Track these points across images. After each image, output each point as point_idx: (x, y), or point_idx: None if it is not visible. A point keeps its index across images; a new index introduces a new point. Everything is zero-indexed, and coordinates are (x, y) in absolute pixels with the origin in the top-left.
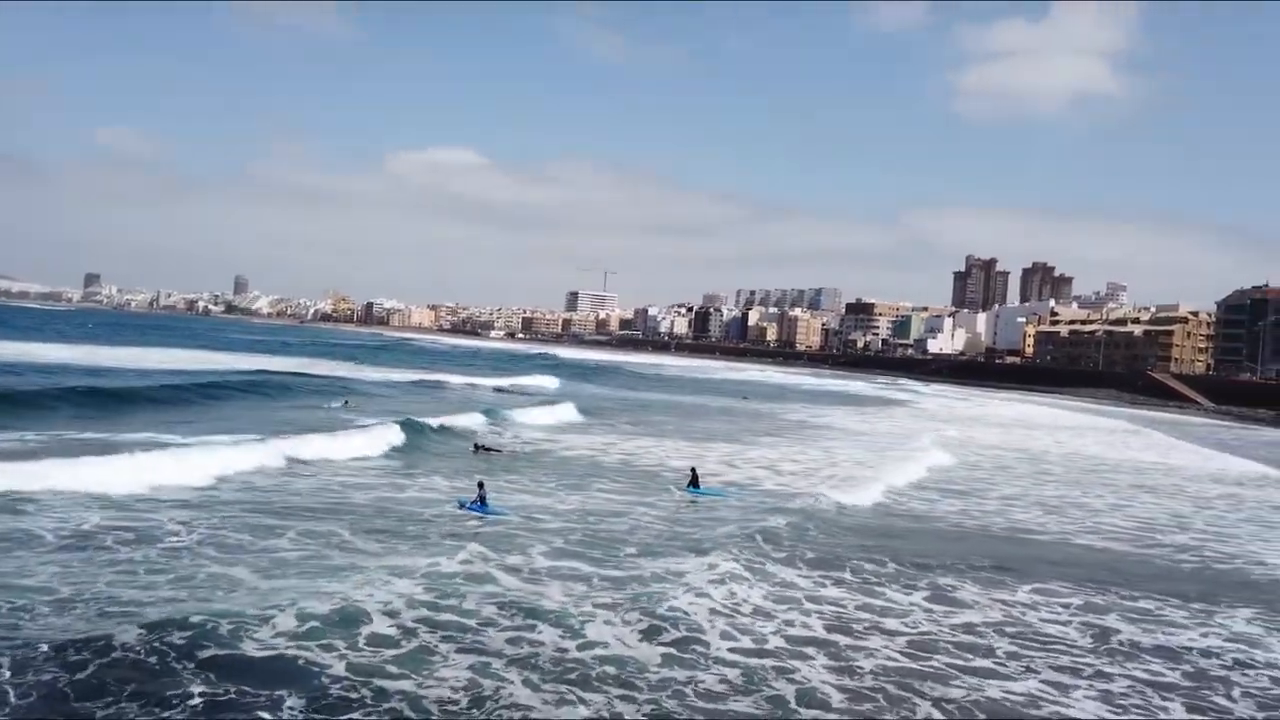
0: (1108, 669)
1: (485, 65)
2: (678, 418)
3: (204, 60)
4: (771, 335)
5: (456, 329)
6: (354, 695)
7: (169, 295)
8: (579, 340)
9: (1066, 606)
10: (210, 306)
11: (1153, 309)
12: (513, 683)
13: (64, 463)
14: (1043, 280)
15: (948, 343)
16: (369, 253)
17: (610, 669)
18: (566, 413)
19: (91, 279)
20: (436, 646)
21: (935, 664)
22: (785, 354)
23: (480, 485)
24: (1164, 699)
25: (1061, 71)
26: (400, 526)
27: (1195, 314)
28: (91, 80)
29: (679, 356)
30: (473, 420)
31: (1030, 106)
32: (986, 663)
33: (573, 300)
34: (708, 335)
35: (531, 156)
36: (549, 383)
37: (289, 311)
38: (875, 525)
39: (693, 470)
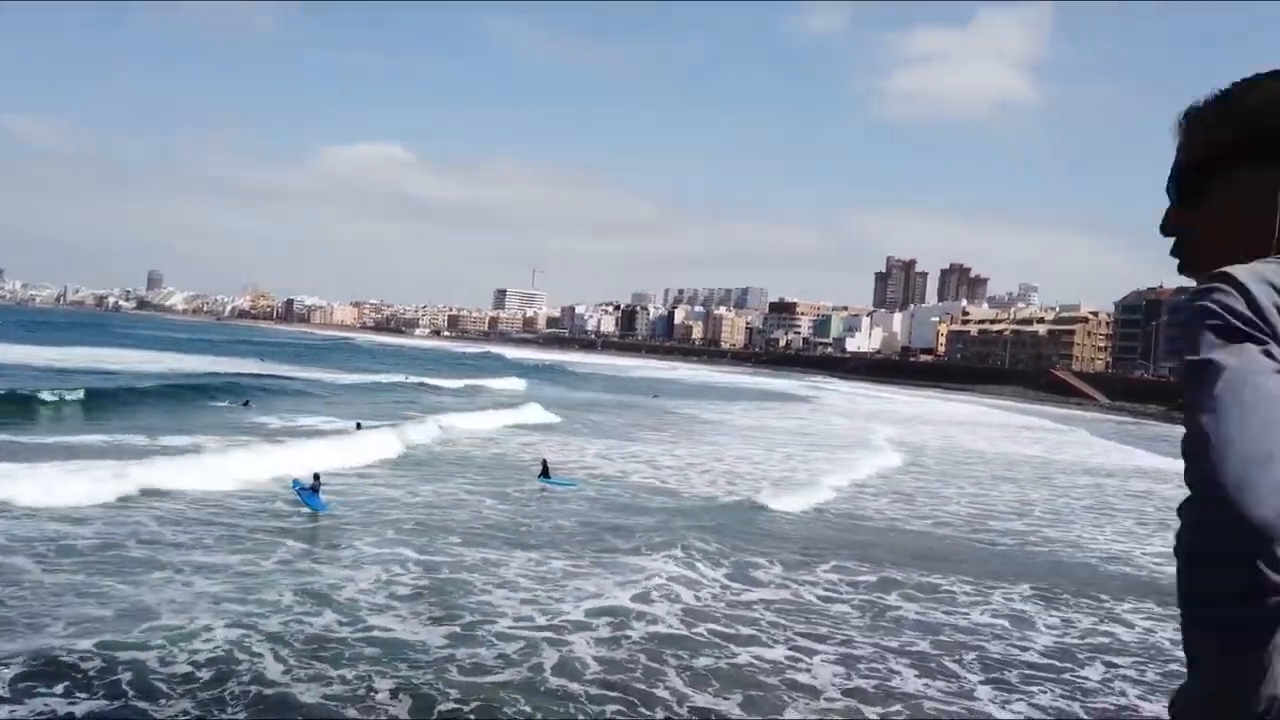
0: (860, 639)
1: (416, 62)
2: (573, 410)
3: (121, 51)
4: (697, 334)
5: (380, 327)
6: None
7: (77, 291)
8: (506, 339)
9: (855, 586)
10: (121, 303)
11: (1057, 309)
12: (263, 657)
13: None
14: (959, 281)
15: (865, 341)
16: (291, 249)
17: (377, 649)
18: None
19: None
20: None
21: (700, 633)
22: (710, 352)
23: (316, 476)
24: (898, 664)
25: (980, 77)
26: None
27: (1095, 314)
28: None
29: (605, 355)
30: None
31: (951, 111)
32: (750, 631)
33: (500, 298)
34: (634, 334)
35: (460, 153)
36: (516, 384)
37: (205, 308)
38: (716, 511)
39: (544, 462)
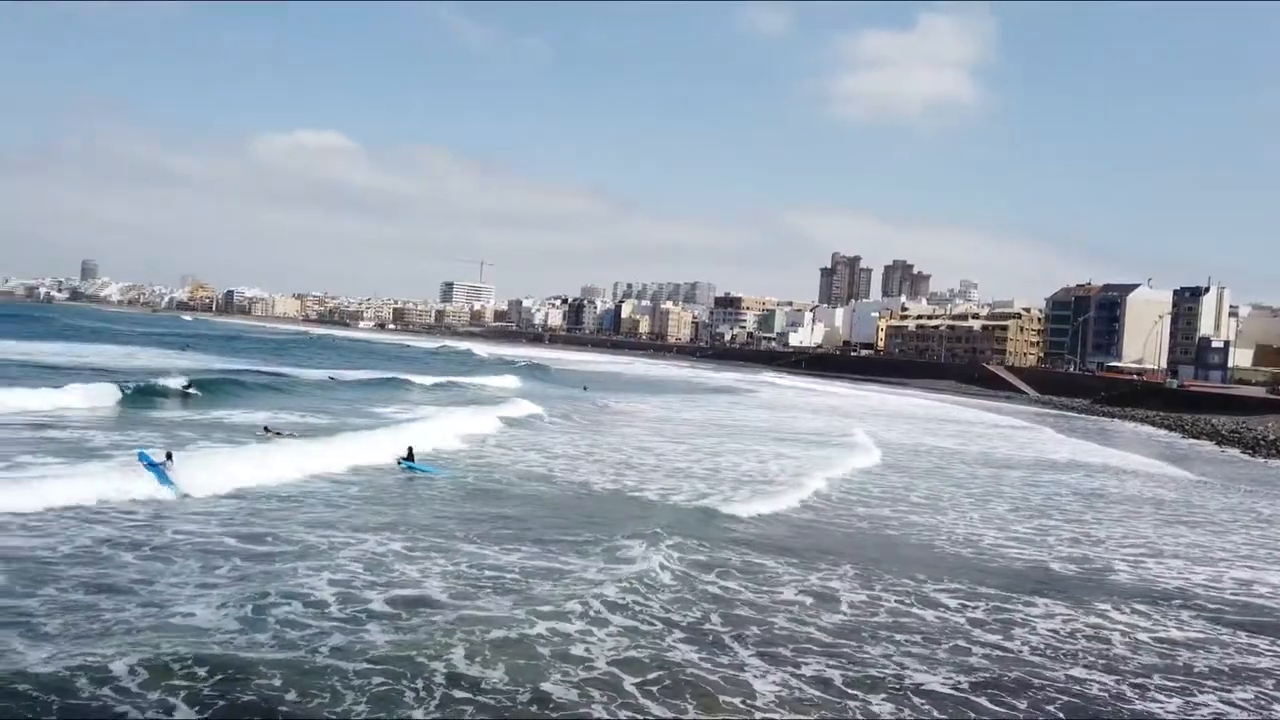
0: (662, 611)
1: (349, 51)
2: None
3: (48, 31)
4: (644, 328)
5: (323, 319)
6: None
7: (7, 280)
8: (452, 332)
9: (681, 560)
10: (54, 294)
11: (992, 305)
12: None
13: None
14: (903, 278)
15: (808, 336)
16: (229, 239)
17: (173, 635)
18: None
19: None
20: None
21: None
22: (657, 346)
23: (169, 455)
24: (680, 633)
25: (924, 81)
26: None
27: (1028, 310)
28: None
29: (552, 349)
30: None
31: (894, 112)
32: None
33: (448, 291)
34: (582, 327)
35: (400, 143)
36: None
37: (142, 299)
38: (580, 496)
39: (409, 448)
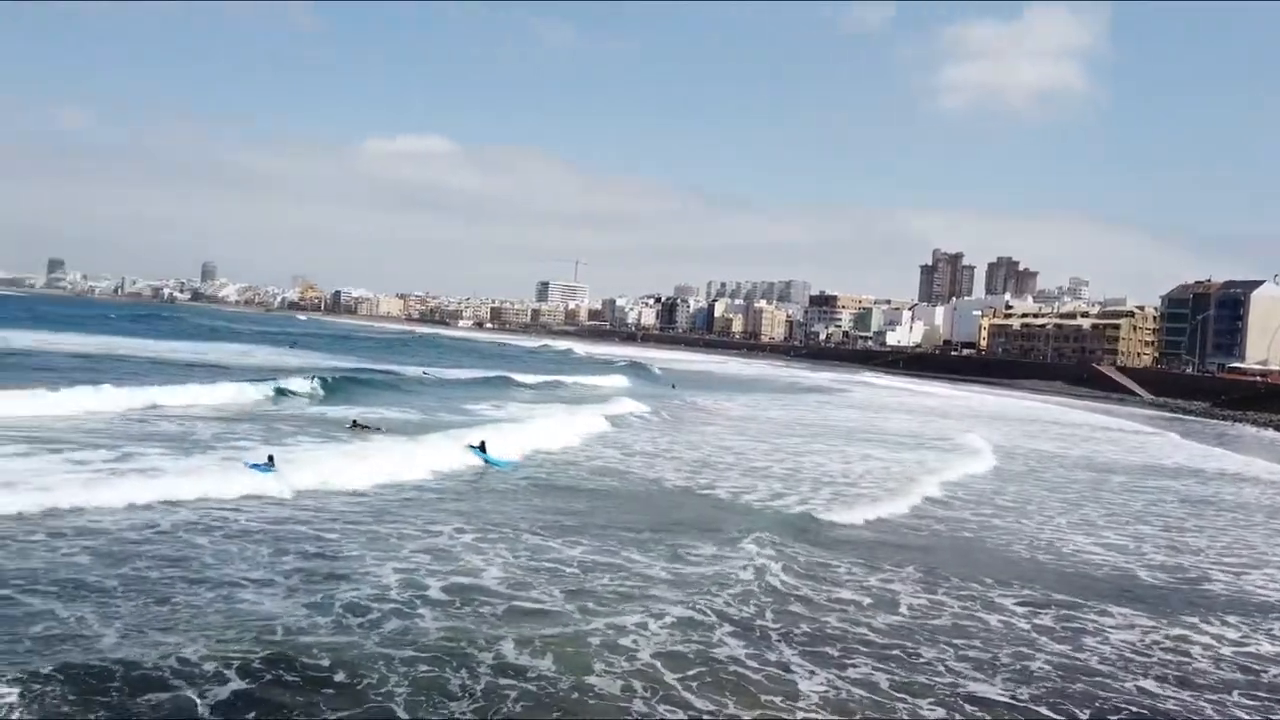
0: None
1: (447, 58)
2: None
3: (171, 50)
4: (737, 327)
5: (424, 318)
6: None
7: (134, 282)
8: (547, 330)
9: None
10: (176, 294)
11: (1103, 303)
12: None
13: None
14: (1007, 275)
15: (906, 335)
16: (337, 241)
17: (239, 617)
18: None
19: (55, 265)
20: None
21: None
22: (750, 345)
23: (270, 458)
24: (731, 627)
25: (1031, 71)
26: None
27: (1141, 308)
28: (49, 60)
29: (645, 348)
30: None
31: (1001, 104)
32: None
33: (543, 290)
34: (674, 326)
35: (497, 146)
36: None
37: (256, 300)
38: (651, 493)
39: (482, 441)
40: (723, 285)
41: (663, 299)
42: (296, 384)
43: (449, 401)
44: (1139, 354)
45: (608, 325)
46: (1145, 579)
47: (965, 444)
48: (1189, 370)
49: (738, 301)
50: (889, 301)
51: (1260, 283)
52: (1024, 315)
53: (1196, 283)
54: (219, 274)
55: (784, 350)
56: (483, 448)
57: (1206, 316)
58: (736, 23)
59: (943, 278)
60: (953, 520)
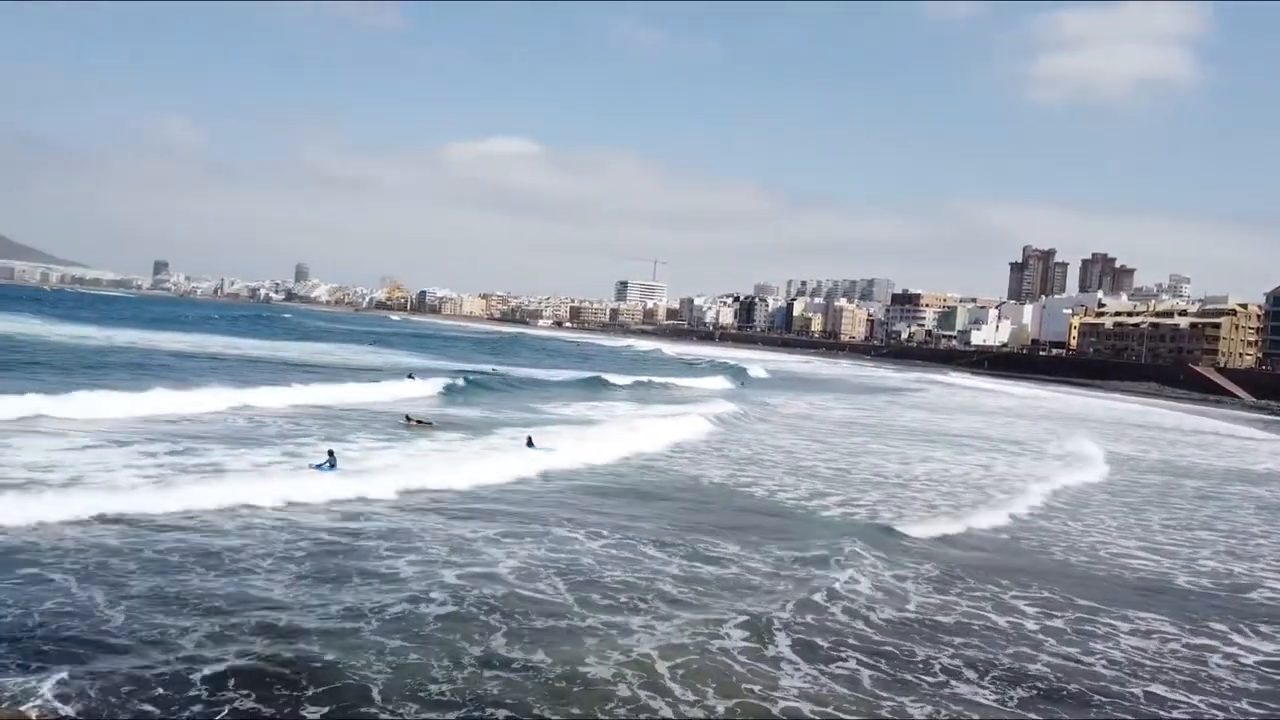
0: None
1: (535, 59)
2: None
3: (263, 55)
4: (816, 326)
5: (506, 318)
6: None
7: (232, 283)
8: (626, 330)
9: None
10: (271, 295)
11: (1202, 302)
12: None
13: None
14: (1103, 272)
15: (992, 334)
16: (423, 242)
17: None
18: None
19: (160, 266)
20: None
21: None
22: (829, 344)
23: (330, 454)
24: (730, 627)
25: (1133, 59)
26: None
27: (1244, 306)
28: (157, 72)
29: (722, 346)
30: None
31: (1099, 95)
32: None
33: (622, 290)
34: (752, 325)
35: (581, 146)
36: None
37: (346, 299)
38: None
39: (529, 436)
40: (803, 284)
41: (741, 298)
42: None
43: (549, 401)
44: (1241, 354)
45: (685, 325)
46: (1183, 584)
47: (1031, 446)
48: None
49: (817, 300)
50: (974, 300)
51: None
52: (1116, 314)
53: None
54: (311, 275)
55: (864, 350)
56: (530, 443)
57: None
58: (822, 19)
59: (1033, 275)
60: (996, 523)
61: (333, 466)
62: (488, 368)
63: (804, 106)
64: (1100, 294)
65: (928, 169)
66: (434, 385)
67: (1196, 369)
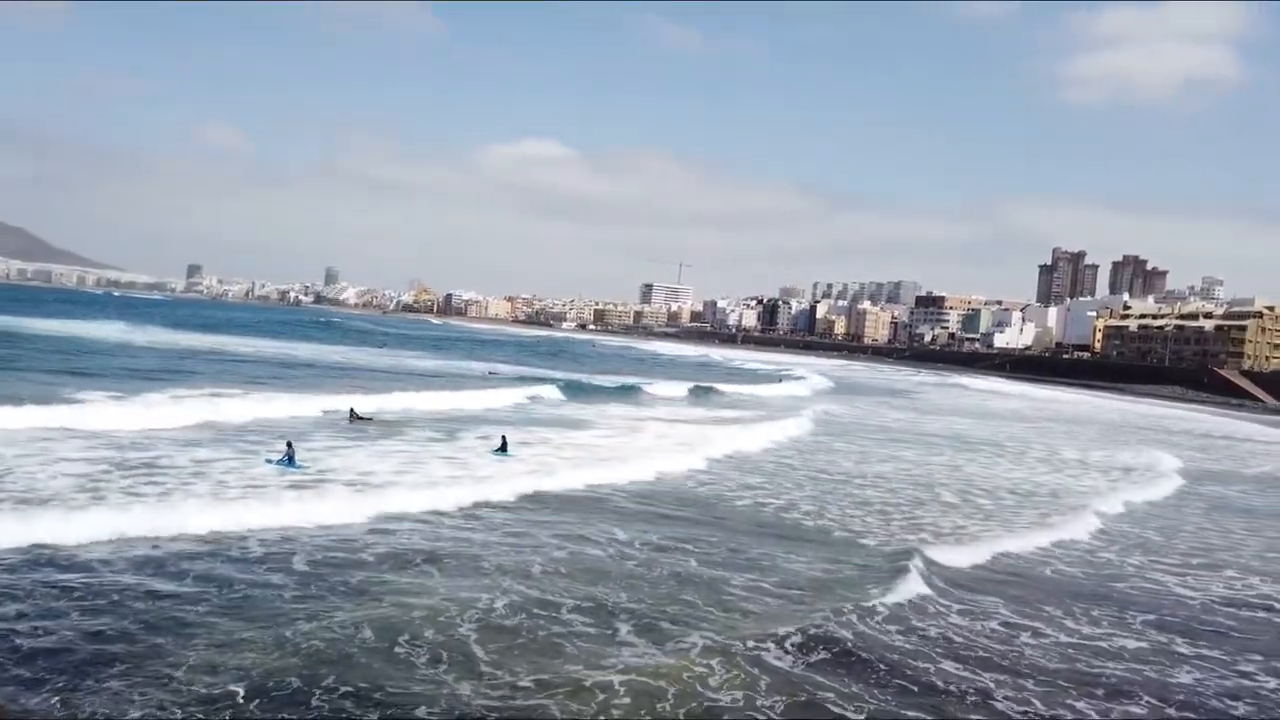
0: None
1: (567, 60)
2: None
3: (291, 58)
4: (839, 328)
5: (531, 320)
6: None
7: (263, 286)
8: (649, 332)
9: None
10: (301, 297)
11: (1229, 304)
12: None
13: None
14: (1134, 274)
15: (1015, 337)
16: (451, 244)
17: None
18: None
19: (194, 270)
20: None
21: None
22: (851, 347)
23: (289, 445)
24: (568, 610)
25: (1175, 58)
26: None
27: (1271, 308)
28: (189, 77)
29: (744, 349)
30: None
31: (1140, 94)
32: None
33: (647, 292)
34: (775, 328)
35: (613, 148)
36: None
37: (374, 302)
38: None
39: (504, 437)
40: (829, 286)
41: (764, 300)
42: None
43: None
44: (1268, 357)
45: (709, 327)
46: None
47: (1013, 446)
48: None
49: (841, 303)
50: (999, 303)
51: None
52: (1141, 316)
53: None
54: (341, 278)
55: (886, 352)
56: (504, 446)
57: None
58: (854, 19)
59: (1063, 278)
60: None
61: (290, 461)
62: (581, 376)
63: (838, 107)
64: (1126, 296)
65: (965, 170)
66: (547, 390)
67: (1220, 372)
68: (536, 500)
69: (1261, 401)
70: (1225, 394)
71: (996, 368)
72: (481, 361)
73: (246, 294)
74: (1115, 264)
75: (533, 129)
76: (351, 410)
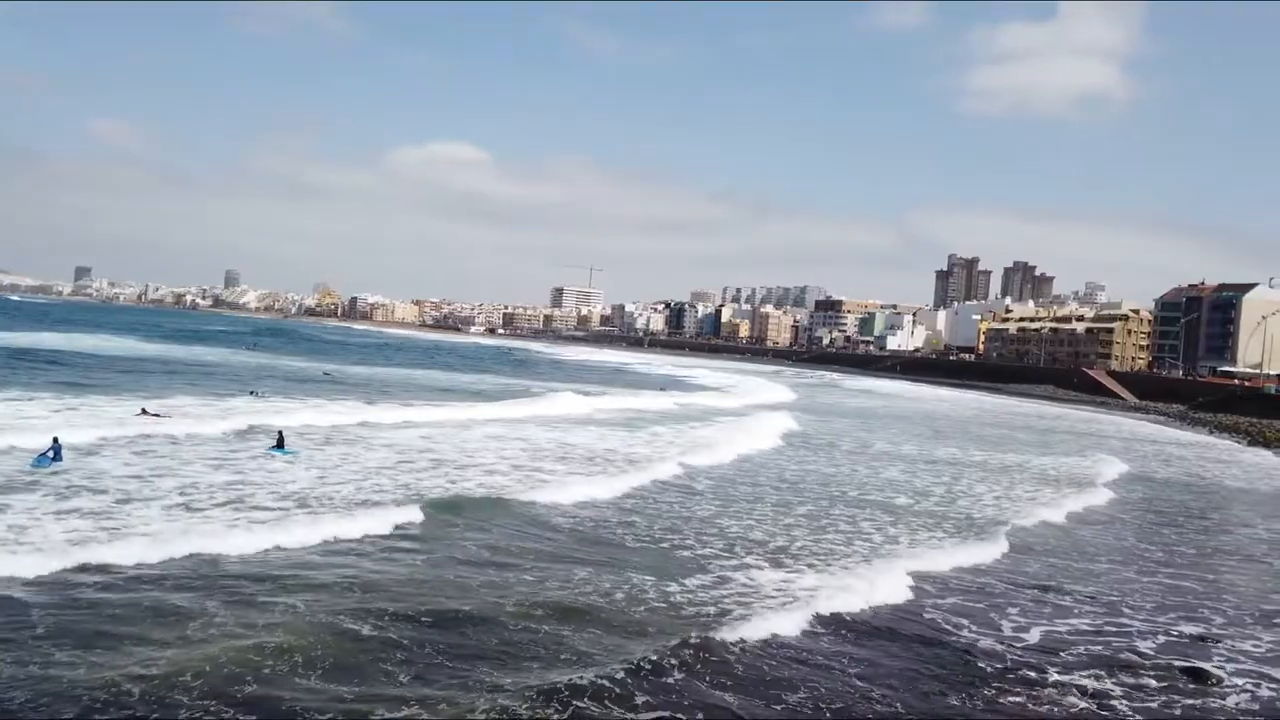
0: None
1: (483, 62)
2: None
3: (198, 55)
4: (744, 332)
5: (439, 325)
6: None
7: (157, 289)
8: (558, 336)
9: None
10: (198, 300)
11: (1099, 306)
12: None
13: None
14: (1024, 279)
15: (907, 339)
16: (360, 247)
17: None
18: None
19: (82, 272)
20: None
21: None
22: (755, 350)
23: (55, 440)
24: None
25: (1067, 72)
26: None
27: (1136, 312)
28: (86, 72)
29: (650, 352)
30: None
31: (1034, 107)
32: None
33: (558, 296)
34: (682, 331)
35: (529, 152)
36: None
37: (275, 305)
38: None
39: (280, 432)
40: (738, 290)
41: (671, 305)
42: None
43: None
44: (1134, 358)
45: (616, 330)
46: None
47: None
48: (1180, 374)
49: (744, 307)
50: (894, 307)
51: (1253, 285)
52: (1020, 319)
53: (1190, 286)
54: (243, 280)
55: (786, 355)
56: (280, 443)
57: (1194, 319)
58: (760, 23)
59: (958, 283)
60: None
61: (57, 456)
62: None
63: (757, 115)
64: (1008, 300)
65: (875, 178)
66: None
67: (1089, 372)
68: None
69: (1123, 399)
70: (1092, 392)
71: (888, 369)
72: (324, 362)
73: (139, 297)
74: (1006, 270)
75: (445, 132)
76: (143, 408)
